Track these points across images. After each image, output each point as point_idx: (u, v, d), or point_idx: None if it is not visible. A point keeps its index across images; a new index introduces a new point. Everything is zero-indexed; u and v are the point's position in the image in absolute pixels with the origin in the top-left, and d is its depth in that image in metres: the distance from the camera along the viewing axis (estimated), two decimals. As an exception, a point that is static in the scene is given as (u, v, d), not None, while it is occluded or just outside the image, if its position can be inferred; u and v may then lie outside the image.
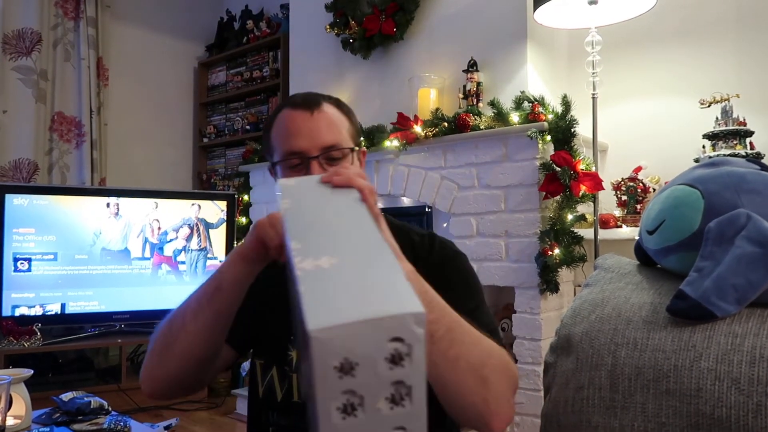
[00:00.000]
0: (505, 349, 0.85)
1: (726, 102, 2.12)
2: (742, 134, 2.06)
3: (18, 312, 2.83)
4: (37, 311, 2.87)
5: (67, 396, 1.48)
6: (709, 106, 2.16)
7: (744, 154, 2.01)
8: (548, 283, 2.17)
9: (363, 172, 0.72)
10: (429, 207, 2.70)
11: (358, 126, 1.04)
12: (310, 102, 0.95)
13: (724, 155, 2.00)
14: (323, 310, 0.48)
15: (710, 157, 2.03)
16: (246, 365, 2.83)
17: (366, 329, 0.47)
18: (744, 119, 2.09)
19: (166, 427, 1.49)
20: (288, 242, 0.60)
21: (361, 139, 0.99)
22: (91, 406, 1.44)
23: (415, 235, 1.02)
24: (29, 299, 2.86)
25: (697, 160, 2.13)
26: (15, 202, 2.84)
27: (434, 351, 0.68)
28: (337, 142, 0.94)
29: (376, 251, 0.58)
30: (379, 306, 0.49)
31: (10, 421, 1.28)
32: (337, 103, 1.00)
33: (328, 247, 0.58)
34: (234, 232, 3.32)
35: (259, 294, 0.96)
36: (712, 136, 2.11)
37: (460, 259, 0.98)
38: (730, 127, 2.07)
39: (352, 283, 0.53)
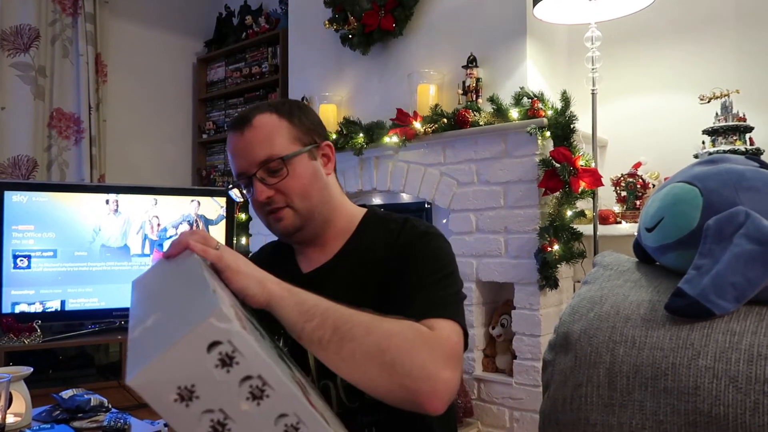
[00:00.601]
0: (455, 320, 0.83)
1: (726, 98, 2.12)
2: (741, 130, 2.06)
3: (18, 309, 2.83)
4: (37, 308, 2.87)
5: (67, 393, 1.48)
6: (708, 101, 2.16)
7: (744, 150, 2.01)
8: (547, 279, 2.17)
9: (197, 230, 0.77)
10: (428, 203, 2.70)
11: (312, 122, 1.02)
12: (241, 120, 0.97)
13: (724, 151, 2.00)
14: (138, 362, 0.49)
15: (710, 153, 2.03)
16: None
17: (177, 353, 0.48)
18: (744, 115, 2.08)
19: (165, 424, 1.50)
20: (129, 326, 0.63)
21: (328, 132, 0.99)
22: (91, 404, 1.45)
23: (392, 223, 1.02)
24: (29, 296, 2.86)
25: (696, 156, 2.12)
26: (14, 199, 2.84)
27: (329, 356, 0.69)
28: (269, 155, 0.94)
29: (195, 290, 0.59)
30: (181, 328, 0.49)
31: (10, 419, 1.28)
32: (277, 109, 0.99)
33: (154, 308, 0.61)
34: (234, 229, 3.31)
35: None
36: (711, 132, 2.10)
37: (426, 238, 0.97)
38: (730, 123, 2.06)
39: (166, 325, 0.54)
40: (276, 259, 1.11)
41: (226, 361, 0.49)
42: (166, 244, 3.15)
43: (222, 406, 0.49)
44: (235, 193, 1.02)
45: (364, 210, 1.08)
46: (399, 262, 0.93)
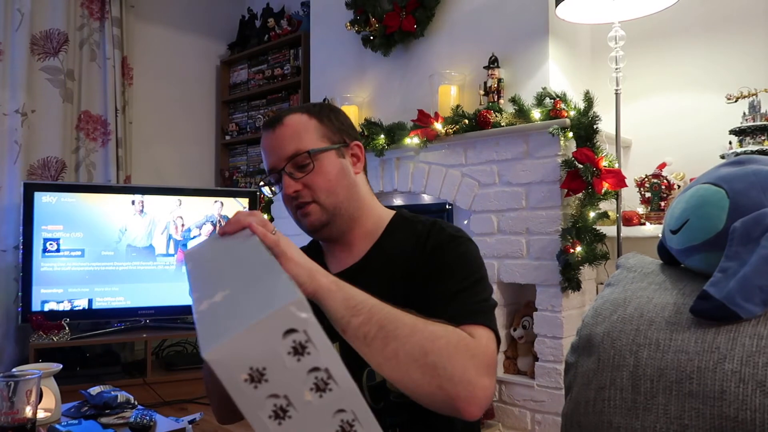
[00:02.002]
0: (490, 327, 0.84)
1: (754, 97, 2.08)
2: (770, 130, 2.02)
3: (47, 307, 2.90)
4: (65, 306, 2.94)
5: (95, 390, 1.51)
6: (736, 101, 2.12)
7: (772, 150, 1.97)
8: (570, 281, 2.15)
9: (254, 212, 0.77)
10: (450, 204, 2.69)
11: (342, 123, 1.05)
12: (273, 120, 1.01)
13: (752, 152, 1.96)
14: (213, 336, 0.50)
15: (736, 154, 1.99)
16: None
17: (255, 334, 0.49)
18: (772, 114, 2.04)
19: (190, 421, 1.52)
20: (191, 297, 0.64)
21: (358, 133, 1.02)
22: (118, 400, 1.48)
23: (419, 224, 1.03)
24: (58, 295, 2.93)
25: (723, 157, 2.09)
26: (44, 199, 2.91)
27: (372, 352, 0.69)
28: (297, 149, 0.97)
29: (263, 270, 0.61)
30: (261, 310, 0.50)
31: (40, 414, 1.32)
32: (308, 110, 1.03)
33: (222, 283, 0.62)
34: (256, 229, 3.34)
35: None
36: (738, 132, 2.07)
37: (455, 242, 0.97)
38: (758, 123, 2.03)
39: (240, 303, 0.55)
40: None
41: (299, 350, 0.50)
42: (190, 244, 3.20)
43: (287, 393, 0.50)
44: (266, 190, 1.05)
45: (393, 212, 1.09)
46: (427, 265, 0.94)
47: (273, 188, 1.04)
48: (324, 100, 3.14)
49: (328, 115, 1.03)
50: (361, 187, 1.05)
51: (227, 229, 0.76)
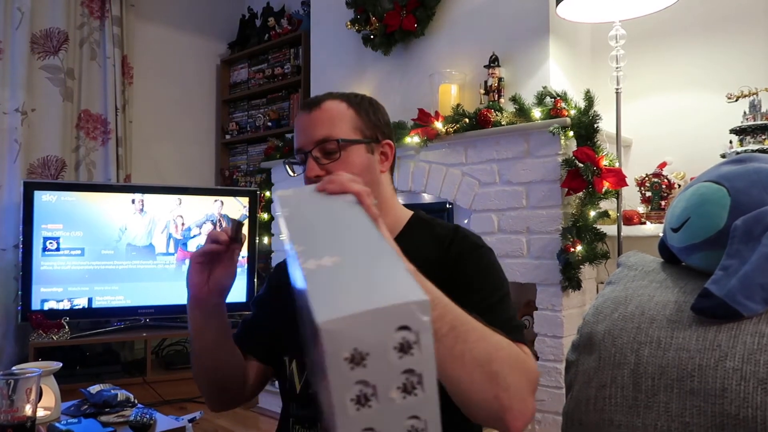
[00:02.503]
0: (527, 345, 0.84)
1: (754, 96, 2.07)
2: (771, 129, 2.01)
3: (47, 306, 2.90)
4: (65, 305, 2.94)
5: (94, 389, 1.51)
6: (736, 100, 2.12)
7: (773, 149, 1.97)
8: (570, 280, 2.15)
9: (357, 178, 0.72)
10: (450, 203, 2.69)
11: (379, 119, 1.04)
12: (312, 102, 1.01)
13: (752, 151, 1.96)
14: (330, 304, 0.49)
15: (737, 153, 1.99)
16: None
17: (373, 319, 0.48)
18: (773, 114, 2.04)
19: (190, 420, 1.52)
20: (291, 246, 0.62)
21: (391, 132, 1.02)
22: (118, 399, 1.47)
23: (441, 228, 1.02)
24: (57, 293, 2.93)
25: (723, 156, 2.09)
26: (44, 198, 2.91)
27: (439, 348, 0.68)
28: (328, 135, 0.96)
29: (376, 249, 0.59)
30: (384, 297, 0.49)
31: (40, 413, 1.31)
32: (348, 99, 1.02)
33: (330, 247, 0.60)
34: (256, 228, 3.35)
35: (272, 299, 1.10)
36: (739, 131, 2.06)
37: (479, 252, 0.97)
38: (759, 122, 2.02)
39: (355, 278, 0.54)
40: None
41: (405, 348, 0.49)
42: (191, 244, 3.20)
43: (377, 384, 0.50)
44: (288, 168, 1.06)
45: (411, 212, 1.08)
46: (450, 272, 0.92)
47: (294, 168, 1.04)
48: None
49: (367, 108, 1.03)
50: (385, 186, 1.04)
51: (329, 188, 0.70)
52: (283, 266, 1.20)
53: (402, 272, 0.54)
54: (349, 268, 0.56)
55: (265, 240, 3.39)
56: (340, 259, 0.57)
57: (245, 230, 3.31)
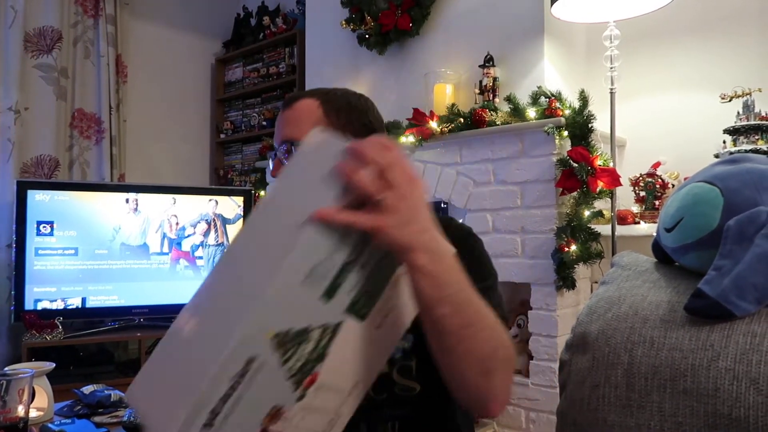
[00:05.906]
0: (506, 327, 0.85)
1: (748, 96, 2.08)
2: (764, 129, 2.02)
3: (40, 306, 2.88)
4: (58, 305, 2.92)
5: (88, 389, 1.50)
6: (730, 100, 2.13)
7: (766, 149, 1.98)
8: (564, 280, 2.15)
9: (393, 143, 0.63)
10: (445, 203, 2.69)
11: (352, 121, 0.99)
12: (288, 99, 1.01)
13: (745, 151, 1.97)
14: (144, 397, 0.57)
15: (731, 153, 2.00)
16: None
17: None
18: (766, 114, 2.05)
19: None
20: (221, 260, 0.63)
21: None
22: (111, 399, 1.47)
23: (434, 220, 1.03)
24: (51, 293, 2.91)
25: (717, 156, 2.09)
26: (37, 197, 2.89)
27: (444, 341, 0.69)
28: (290, 137, 0.96)
29: (248, 293, 0.56)
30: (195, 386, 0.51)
31: (33, 413, 1.31)
32: (325, 97, 0.98)
33: (211, 297, 0.62)
34: (251, 228, 3.33)
35: None
36: (733, 132, 2.07)
37: (471, 240, 0.99)
38: (752, 122, 2.03)
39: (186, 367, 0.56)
40: None
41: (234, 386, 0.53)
42: (185, 243, 3.19)
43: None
44: (271, 163, 1.07)
45: None
46: None
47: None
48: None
49: (339, 109, 0.99)
50: None
51: (356, 151, 0.60)
52: None
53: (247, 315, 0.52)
54: (196, 341, 0.57)
55: (260, 239, 3.38)
56: (200, 321, 0.58)
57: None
